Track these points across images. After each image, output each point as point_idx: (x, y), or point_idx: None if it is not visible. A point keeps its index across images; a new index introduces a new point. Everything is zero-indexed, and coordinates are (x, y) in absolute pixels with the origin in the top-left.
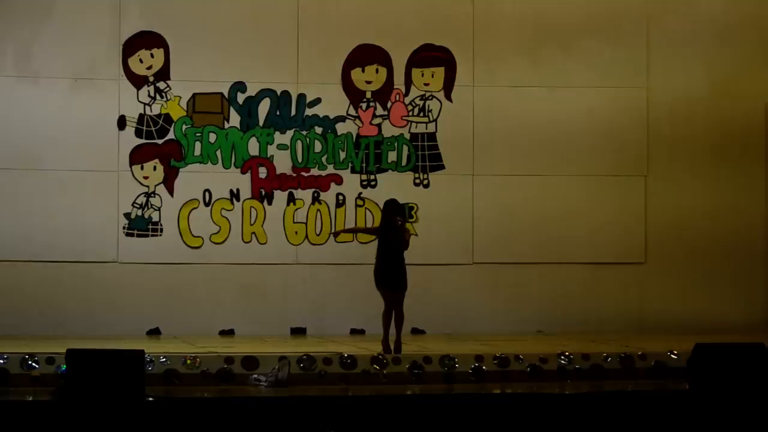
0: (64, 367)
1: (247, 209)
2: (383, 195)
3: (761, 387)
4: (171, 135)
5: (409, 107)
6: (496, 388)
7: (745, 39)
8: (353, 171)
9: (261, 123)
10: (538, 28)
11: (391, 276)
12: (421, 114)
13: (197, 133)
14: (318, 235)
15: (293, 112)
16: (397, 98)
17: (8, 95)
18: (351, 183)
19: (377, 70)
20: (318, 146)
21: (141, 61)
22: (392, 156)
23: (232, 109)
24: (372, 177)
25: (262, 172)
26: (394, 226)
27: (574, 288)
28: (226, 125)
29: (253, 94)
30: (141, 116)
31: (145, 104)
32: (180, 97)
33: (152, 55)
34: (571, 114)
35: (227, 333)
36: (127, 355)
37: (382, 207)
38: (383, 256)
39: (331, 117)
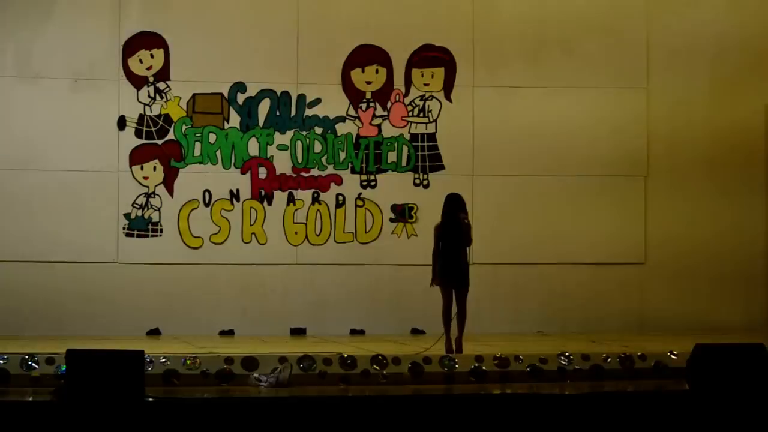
0: (63, 367)
1: (246, 209)
2: (383, 195)
3: (761, 387)
4: (171, 135)
5: (409, 107)
6: (496, 389)
7: (745, 40)
8: (353, 171)
9: (261, 123)
10: (538, 28)
11: (456, 272)
12: (421, 114)
13: (197, 133)
14: (318, 235)
15: (293, 113)
16: (397, 98)
17: (8, 95)
18: (351, 183)
19: (377, 71)
20: (318, 146)
21: (141, 61)
22: (392, 156)
23: (232, 110)
24: (372, 177)
25: (262, 173)
26: (456, 221)
27: (574, 288)
28: (226, 125)
29: (253, 95)
30: (141, 116)
31: (145, 104)
32: (180, 98)
33: (152, 56)
34: (571, 114)
35: (227, 333)
36: (127, 355)
37: (443, 202)
38: (447, 253)
39: (331, 117)
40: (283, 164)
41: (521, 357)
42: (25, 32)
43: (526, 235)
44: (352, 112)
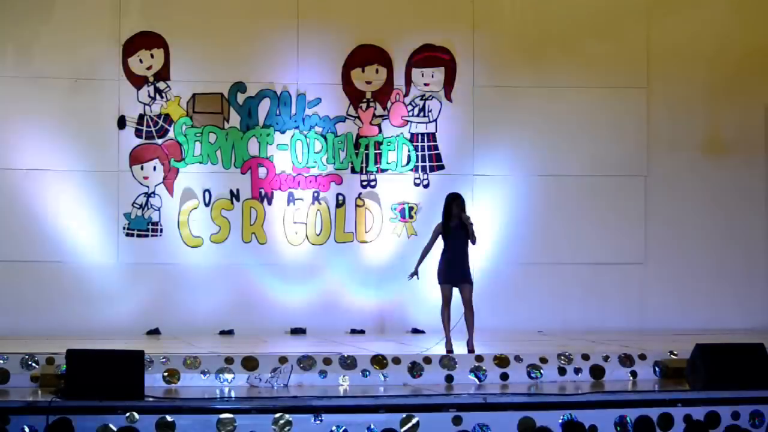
0: (63, 367)
1: (247, 209)
2: (383, 195)
3: (761, 387)
4: (171, 135)
5: (409, 107)
6: (496, 389)
7: (745, 40)
8: (353, 171)
9: (261, 123)
10: (538, 28)
11: (457, 271)
12: (421, 114)
13: (197, 133)
14: (318, 235)
15: (293, 112)
16: (397, 98)
17: (8, 95)
18: (351, 183)
19: (377, 70)
20: (318, 146)
21: (141, 61)
22: (392, 156)
23: (232, 109)
24: (372, 177)
25: (262, 172)
26: (458, 220)
27: (574, 288)
28: (226, 125)
29: (253, 94)
30: (141, 116)
31: (145, 104)
32: (180, 97)
33: (152, 55)
34: (571, 114)
35: (227, 333)
36: (127, 355)
37: (444, 201)
38: (449, 252)
39: (331, 117)
40: (283, 164)
41: (521, 357)
42: (25, 32)
43: (526, 235)
44: (352, 112)
